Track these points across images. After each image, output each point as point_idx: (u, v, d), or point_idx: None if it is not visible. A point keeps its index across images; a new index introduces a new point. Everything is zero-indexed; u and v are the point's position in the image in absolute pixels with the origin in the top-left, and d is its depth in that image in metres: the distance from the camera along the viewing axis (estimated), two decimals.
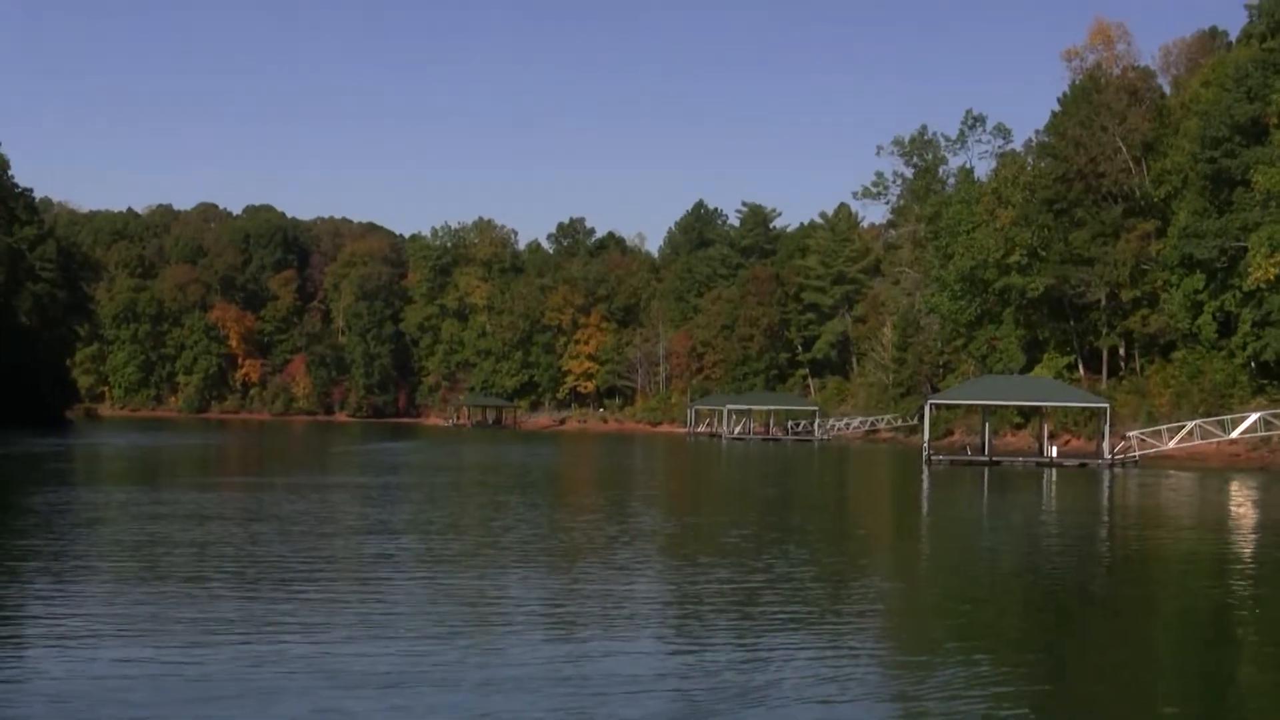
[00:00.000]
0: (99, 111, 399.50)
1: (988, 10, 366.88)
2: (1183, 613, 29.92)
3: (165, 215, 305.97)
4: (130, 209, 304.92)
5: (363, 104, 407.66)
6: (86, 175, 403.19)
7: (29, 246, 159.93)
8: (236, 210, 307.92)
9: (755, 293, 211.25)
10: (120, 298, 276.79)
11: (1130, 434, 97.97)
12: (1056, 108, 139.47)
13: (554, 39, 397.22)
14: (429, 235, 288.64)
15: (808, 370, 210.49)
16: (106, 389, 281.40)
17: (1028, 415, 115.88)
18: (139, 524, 41.14)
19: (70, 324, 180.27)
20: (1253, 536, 47.73)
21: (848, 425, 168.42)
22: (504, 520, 46.53)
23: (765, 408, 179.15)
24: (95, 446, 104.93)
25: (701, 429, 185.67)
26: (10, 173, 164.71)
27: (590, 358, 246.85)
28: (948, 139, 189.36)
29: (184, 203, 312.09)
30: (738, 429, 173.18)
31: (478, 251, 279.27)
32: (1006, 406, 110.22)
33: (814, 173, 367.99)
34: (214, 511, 46.81)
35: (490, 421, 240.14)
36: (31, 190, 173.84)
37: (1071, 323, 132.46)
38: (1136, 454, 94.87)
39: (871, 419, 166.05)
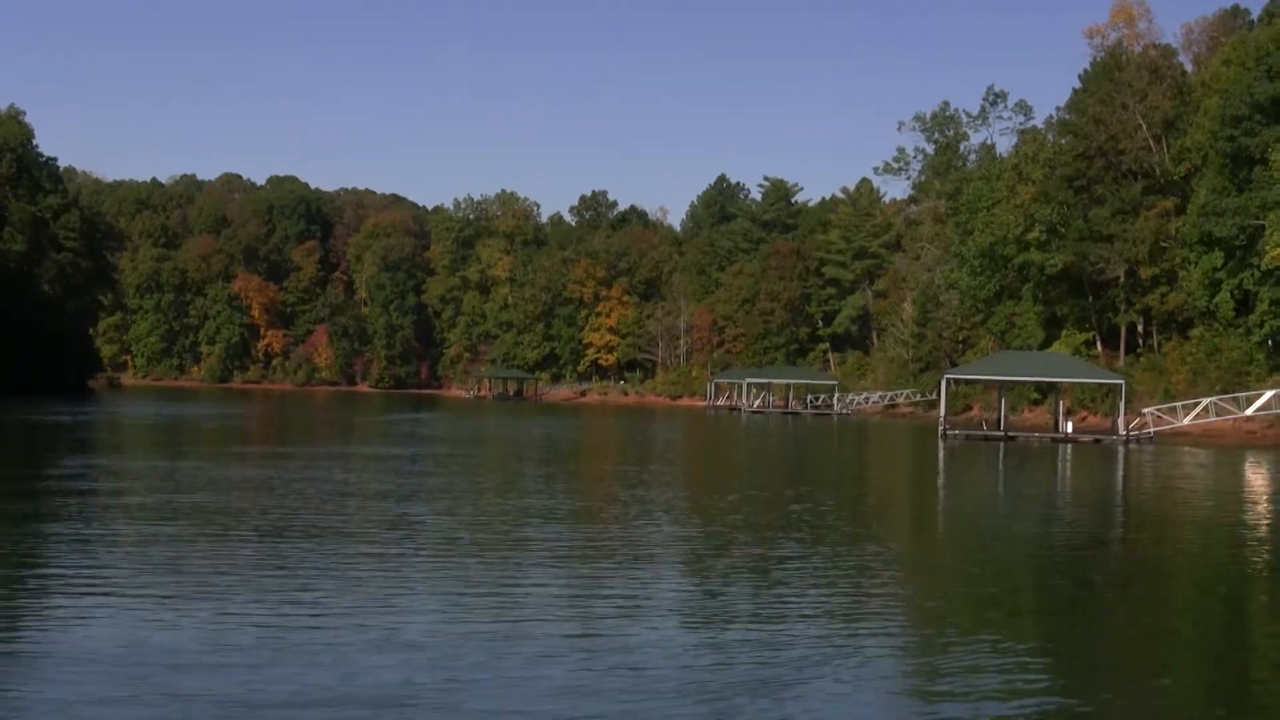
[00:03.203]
0: (124, 83, 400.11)
1: None
2: (1198, 584, 29.97)
3: (189, 185, 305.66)
4: (154, 179, 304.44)
5: (386, 77, 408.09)
6: (111, 145, 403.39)
7: (53, 215, 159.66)
8: (260, 181, 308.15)
9: (776, 267, 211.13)
10: (144, 267, 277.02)
11: (1146, 411, 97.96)
12: (1078, 85, 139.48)
13: (578, 13, 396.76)
14: (451, 207, 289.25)
15: (828, 345, 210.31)
16: (129, 358, 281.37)
17: (1045, 391, 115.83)
18: (208, 494, 41.36)
19: (93, 293, 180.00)
20: (1267, 512, 47.77)
21: (867, 400, 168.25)
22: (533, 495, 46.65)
23: (785, 382, 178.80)
24: (125, 415, 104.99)
25: (721, 402, 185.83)
26: (34, 142, 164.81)
27: (611, 331, 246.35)
28: (969, 115, 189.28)
29: (208, 173, 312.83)
30: (757, 403, 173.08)
31: (500, 224, 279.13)
32: (1023, 383, 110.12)
33: (836, 148, 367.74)
34: (280, 483, 47.07)
35: (511, 393, 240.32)
36: (55, 159, 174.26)
37: (1090, 299, 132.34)
38: (1152, 430, 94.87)
39: (891, 394, 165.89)
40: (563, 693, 16.18)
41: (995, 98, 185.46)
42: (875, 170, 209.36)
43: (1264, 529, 41.81)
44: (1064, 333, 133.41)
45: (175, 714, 14.66)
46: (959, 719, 15.88)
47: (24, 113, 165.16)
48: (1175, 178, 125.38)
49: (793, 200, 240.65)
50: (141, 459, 60.48)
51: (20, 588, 23.27)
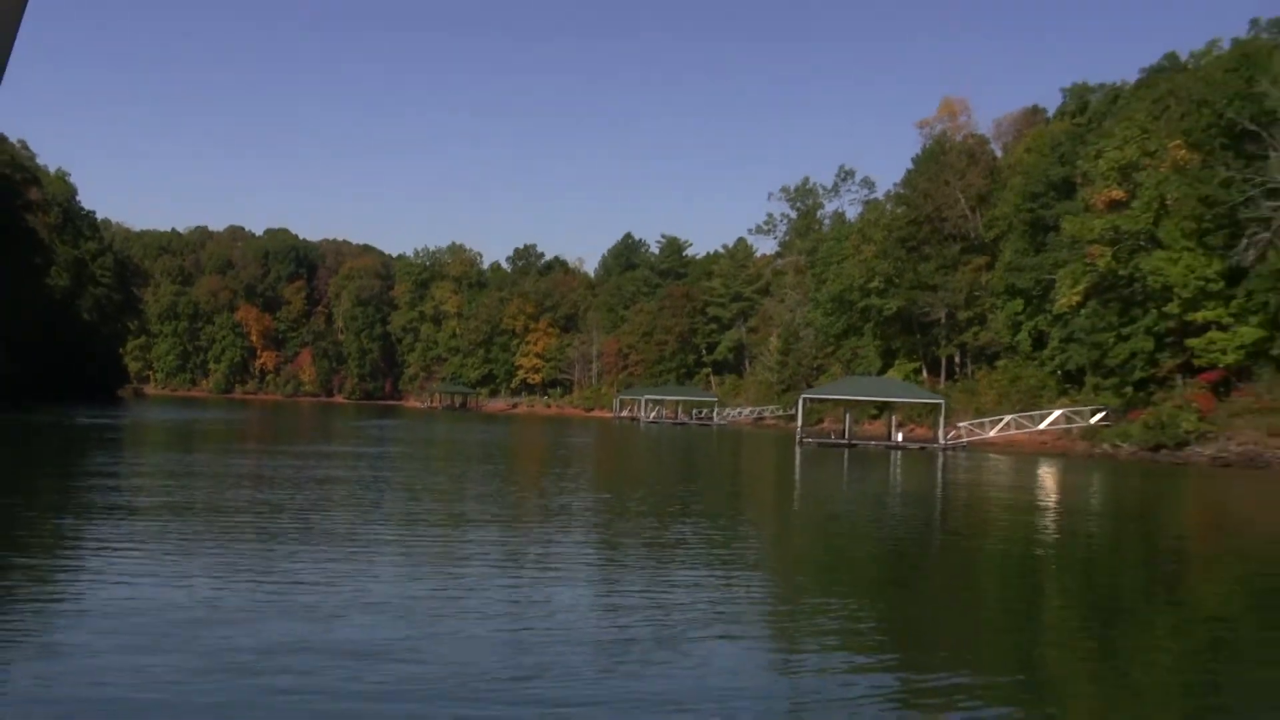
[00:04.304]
0: (151, 149, 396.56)
1: (861, 86, 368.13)
2: (999, 554, 30.48)
3: (201, 235, 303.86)
4: (173, 229, 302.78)
5: (361, 148, 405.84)
6: (139, 200, 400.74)
7: (91, 258, 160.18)
8: (259, 231, 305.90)
9: (670, 307, 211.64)
10: (164, 300, 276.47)
11: (961, 424, 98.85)
12: (911, 165, 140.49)
13: (515, 99, 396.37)
14: (412, 255, 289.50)
15: (710, 369, 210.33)
16: (151, 373, 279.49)
17: (881, 408, 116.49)
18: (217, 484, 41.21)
19: (123, 320, 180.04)
20: (1055, 504, 48.44)
21: (740, 414, 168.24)
22: (474, 485, 46.69)
23: (675, 398, 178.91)
24: (148, 419, 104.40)
25: (625, 414, 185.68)
26: (77, 198, 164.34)
27: (538, 355, 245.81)
28: (825, 188, 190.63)
29: (217, 225, 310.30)
30: (653, 415, 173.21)
31: (451, 269, 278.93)
32: (864, 401, 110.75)
33: (719, 212, 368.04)
34: (283, 473, 46.88)
35: (457, 405, 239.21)
36: (94, 212, 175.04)
37: (918, 336, 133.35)
38: (965, 440, 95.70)
39: (759, 409, 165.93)
40: (505, 646, 16.34)
41: (845, 174, 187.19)
42: (750, 231, 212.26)
43: (1052, 516, 42.42)
44: (897, 362, 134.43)
45: (192, 659, 14.72)
46: (814, 667, 16.14)
47: (69, 174, 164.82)
48: (986, 240, 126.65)
49: (684, 253, 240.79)
50: (161, 454, 60.13)
51: (58, 554, 23.30)
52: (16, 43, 3.28)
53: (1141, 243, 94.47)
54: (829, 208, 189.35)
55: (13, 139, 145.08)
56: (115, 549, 23.82)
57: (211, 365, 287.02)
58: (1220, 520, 45.06)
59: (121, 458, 53.93)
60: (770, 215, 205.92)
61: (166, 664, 14.46)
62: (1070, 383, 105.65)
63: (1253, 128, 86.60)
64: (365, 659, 15.05)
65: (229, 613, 17.84)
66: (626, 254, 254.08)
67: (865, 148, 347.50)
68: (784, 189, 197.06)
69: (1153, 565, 29.68)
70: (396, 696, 13.27)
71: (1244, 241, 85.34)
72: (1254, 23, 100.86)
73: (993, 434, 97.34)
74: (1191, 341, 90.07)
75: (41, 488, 36.95)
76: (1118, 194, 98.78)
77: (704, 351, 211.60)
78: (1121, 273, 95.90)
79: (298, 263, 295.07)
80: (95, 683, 13.42)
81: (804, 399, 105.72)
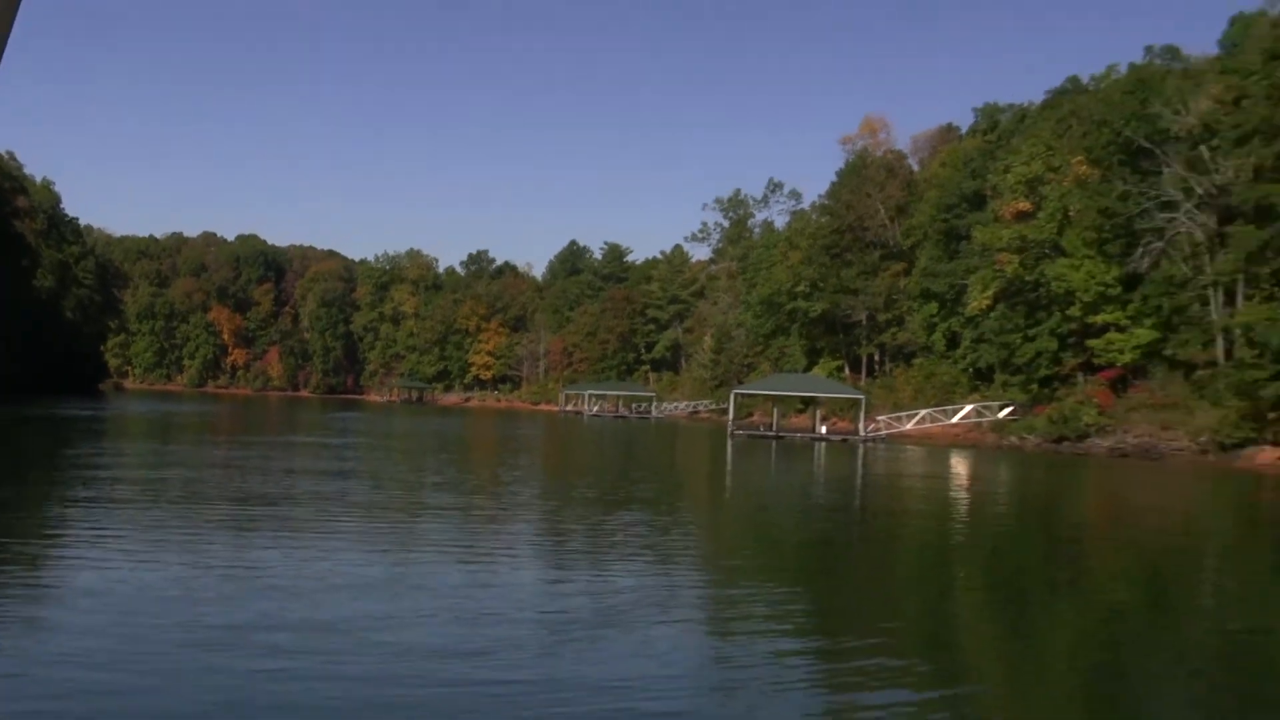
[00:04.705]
0: (131, 158, 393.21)
1: (790, 103, 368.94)
2: (915, 536, 30.64)
3: (177, 240, 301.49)
4: (151, 235, 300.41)
5: (326, 160, 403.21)
6: (119, 206, 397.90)
7: (74, 261, 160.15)
8: (230, 237, 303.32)
9: (612, 309, 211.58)
10: (142, 301, 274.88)
11: (880, 418, 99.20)
12: (835, 178, 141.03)
13: (467, 113, 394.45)
14: (373, 260, 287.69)
15: (649, 366, 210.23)
16: (130, 368, 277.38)
17: (807, 403, 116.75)
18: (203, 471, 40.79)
19: (104, 319, 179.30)
20: (965, 489, 48.75)
21: (676, 408, 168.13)
22: (432, 473, 46.50)
23: (616, 393, 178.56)
24: (127, 411, 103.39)
25: (569, 408, 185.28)
26: (61, 205, 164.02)
27: (489, 353, 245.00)
28: (755, 199, 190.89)
29: (192, 231, 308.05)
30: (596, 409, 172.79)
31: (409, 273, 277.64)
32: (791, 396, 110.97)
33: (658, 220, 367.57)
34: (271, 463, 46.48)
35: (414, 399, 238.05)
36: (77, 218, 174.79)
37: (841, 336, 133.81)
38: (884, 433, 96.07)
39: (694, 404, 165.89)
40: (458, 622, 16.29)
41: (775, 186, 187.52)
42: (686, 238, 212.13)
43: (964, 500, 42.74)
44: (821, 360, 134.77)
45: (174, 635, 14.57)
46: (744, 647, 16.14)
47: (54, 182, 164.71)
48: (904, 248, 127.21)
49: (625, 259, 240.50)
50: (141, 443, 59.58)
51: (45, 538, 22.98)
52: (8, 50, 3.12)
53: (1046, 251, 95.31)
54: (759, 217, 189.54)
55: (1, 150, 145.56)
56: (91, 534, 23.51)
57: (186, 361, 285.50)
58: (1117, 509, 45.44)
59: (99, 446, 53.37)
60: (705, 224, 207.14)
61: (141, 638, 14.31)
62: (981, 380, 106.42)
63: (1147, 145, 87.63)
64: (335, 634, 14.96)
65: (203, 591, 17.69)
66: (572, 259, 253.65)
67: (793, 161, 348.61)
68: (718, 199, 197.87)
69: (1055, 551, 29.85)
70: (354, 671, 13.15)
71: (1139, 250, 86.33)
72: (1148, 50, 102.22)
73: (909, 427, 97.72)
74: (1091, 342, 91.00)
75: (31, 478, 36.59)
76: (1024, 206, 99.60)
77: (643, 350, 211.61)
78: (1028, 278, 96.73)
79: (266, 266, 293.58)
80: (79, 658, 13.24)
81: (735, 394, 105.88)
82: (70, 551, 21.43)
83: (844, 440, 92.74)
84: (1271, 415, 72.18)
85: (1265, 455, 71.68)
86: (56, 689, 12.06)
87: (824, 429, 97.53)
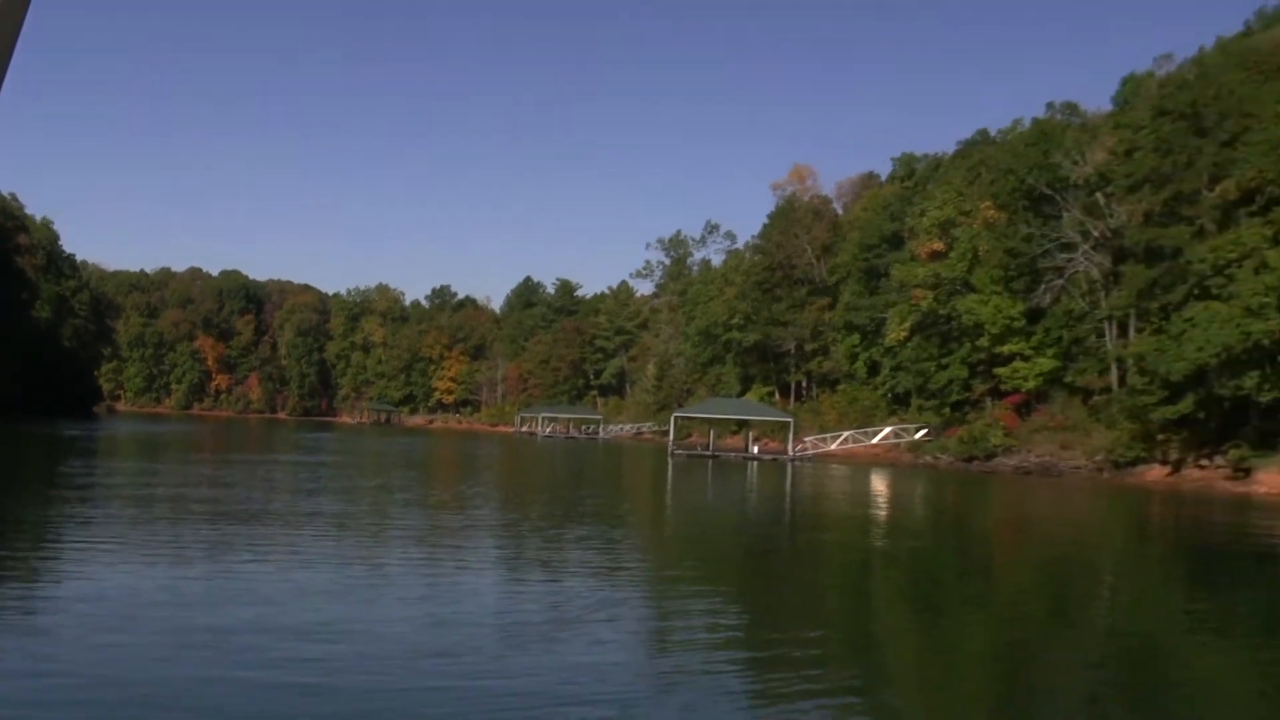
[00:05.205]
0: (123, 201, 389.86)
1: (726, 151, 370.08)
2: (839, 547, 30.74)
3: (165, 275, 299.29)
4: (142, 269, 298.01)
5: (303, 202, 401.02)
6: (113, 244, 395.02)
7: (71, 294, 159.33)
8: (215, 272, 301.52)
9: (563, 339, 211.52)
10: (133, 330, 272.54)
11: (808, 439, 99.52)
12: (766, 220, 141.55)
13: (433, 159, 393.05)
14: (345, 294, 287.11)
15: (597, 391, 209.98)
16: (121, 392, 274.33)
17: (741, 425, 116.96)
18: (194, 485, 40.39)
19: (98, 347, 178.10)
20: (885, 503, 48.98)
21: (622, 430, 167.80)
22: (400, 491, 46.24)
23: (567, 416, 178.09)
24: (119, 431, 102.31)
25: (524, 429, 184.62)
26: (59, 242, 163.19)
27: (451, 379, 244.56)
28: (694, 239, 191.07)
29: (179, 266, 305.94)
30: (548, 430, 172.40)
31: (378, 305, 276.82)
32: (726, 419, 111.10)
33: (606, 258, 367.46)
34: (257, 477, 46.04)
35: (383, 420, 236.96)
36: (74, 254, 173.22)
37: (772, 364, 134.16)
38: (811, 452, 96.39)
39: (638, 426, 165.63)
40: (428, 627, 16.25)
41: (712, 228, 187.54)
42: (631, 275, 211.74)
43: (884, 512, 42.95)
44: (754, 386, 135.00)
45: (164, 638, 14.47)
46: (684, 646, 16.20)
47: (53, 221, 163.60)
48: (829, 284, 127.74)
49: (575, 293, 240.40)
50: (132, 460, 58.97)
51: (42, 548, 22.73)
52: (8, 74, 3.13)
53: (958, 287, 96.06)
54: (697, 256, 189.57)
55: (4, 192, 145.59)
56: (84, 543, 23.26)
57: (174, 386, 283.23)
58: (1021, 522, 45.77)
59: (96, 465, 52.77)
60: (648, 262, 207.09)
61: (133, 642, 14.20)
62: (899, 404, 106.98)
63: (1049, 192, 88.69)
64: (314, 640, 14.84)
65: (188, 598, 17.56)
66: (527, 293, 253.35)
67: (729, 205, 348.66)
68: (660, 239, 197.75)
69: (966, 562, 30.06)
70: (332, 669, 13.11)
71: (1042, 287, 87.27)
72: (1050, 105, 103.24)
73: (834, 447, 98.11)
74: (999, 370, 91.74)
75: (29, 492, 36.15)
76: (938, 246, 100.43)
77: (592, 376, 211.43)
78: (941, 312, 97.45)
79: (247, 299, 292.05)
80: (75, 657, 13.13)
81: (676, 417, 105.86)
82: (65, 561, 21.21)
83: (774, 459, 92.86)
84: (1160, 436, 73.13)
85: (1154, 472, 72.64)
86: (55, 690, 11.96)
87: (756, 449, 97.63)
